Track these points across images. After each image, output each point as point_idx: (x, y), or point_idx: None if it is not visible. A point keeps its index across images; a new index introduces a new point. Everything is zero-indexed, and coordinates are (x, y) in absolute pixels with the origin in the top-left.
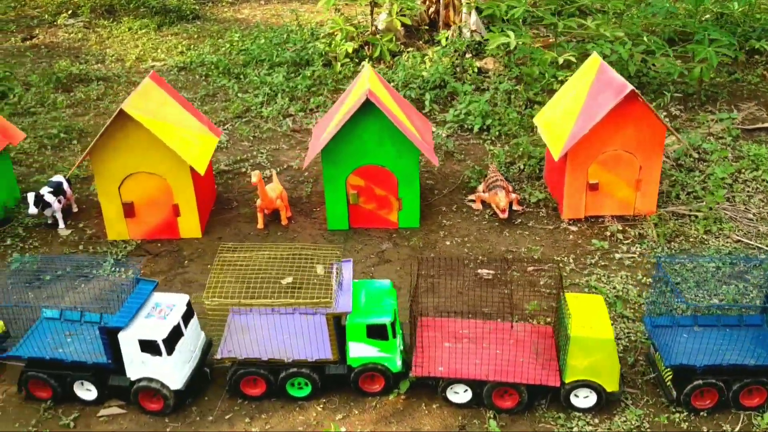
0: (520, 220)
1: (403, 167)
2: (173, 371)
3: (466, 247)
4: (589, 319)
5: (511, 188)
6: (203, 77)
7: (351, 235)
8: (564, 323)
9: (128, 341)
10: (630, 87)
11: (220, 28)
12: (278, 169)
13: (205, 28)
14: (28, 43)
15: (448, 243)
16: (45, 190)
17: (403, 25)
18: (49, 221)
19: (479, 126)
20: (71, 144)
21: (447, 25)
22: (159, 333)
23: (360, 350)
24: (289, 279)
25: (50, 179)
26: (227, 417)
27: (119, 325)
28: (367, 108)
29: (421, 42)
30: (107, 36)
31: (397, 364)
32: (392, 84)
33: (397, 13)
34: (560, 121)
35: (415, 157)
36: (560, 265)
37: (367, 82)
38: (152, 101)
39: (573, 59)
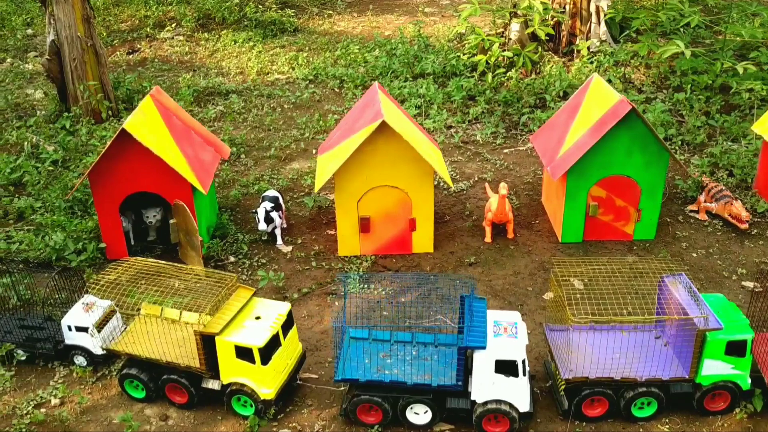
0: (756, 231)
1: (650, 178)
2: (525, 393)
3: (717, 259)
4: None
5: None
6: (336, 90)
7: (587, 248)
8: None
9: (483, 361)
10: None
11: (327, 40)
12: (470, 182)
13: (312, 40)
14: (134, 56)
15: (694, 255)
16: (269, 206)
17: (533, 35)
18: (265, 237)
19: (663, 136)
20: (240, 158)
21: (573, 35)
22: (517, 353)
23: (714, 367)
24: (550, 294)
25: (265, 194)
26: None
27: (480, 345)
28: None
29: (549, 51)
30: (213, 49)
31: (748, 382)
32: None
33: (539, 23)
34: None
35: (663, 167)
36: None
37: (614, 92)
38: (394, 112)
39: (753, 67)
